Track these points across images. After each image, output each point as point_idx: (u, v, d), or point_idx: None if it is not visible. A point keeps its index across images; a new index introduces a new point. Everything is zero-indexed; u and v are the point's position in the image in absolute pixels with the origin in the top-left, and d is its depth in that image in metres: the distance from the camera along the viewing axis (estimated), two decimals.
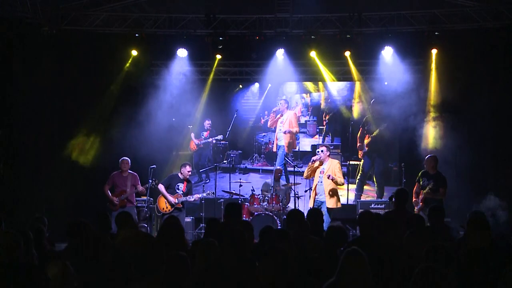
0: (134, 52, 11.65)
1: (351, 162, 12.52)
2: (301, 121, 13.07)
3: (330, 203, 9.16)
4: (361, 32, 11.24)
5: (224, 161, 12.09)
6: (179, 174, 9.79)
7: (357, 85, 12.77)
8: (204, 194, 10.16)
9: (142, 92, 12.04)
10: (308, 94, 13.07)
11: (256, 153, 12.98)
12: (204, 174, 12.58)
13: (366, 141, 12.61)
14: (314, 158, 9.35)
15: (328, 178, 9.02)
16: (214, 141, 12.69)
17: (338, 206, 9.30)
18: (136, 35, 11.41)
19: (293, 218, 5.58)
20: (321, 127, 12.99)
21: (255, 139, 13.01)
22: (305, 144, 12.92)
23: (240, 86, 13.08)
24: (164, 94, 11.99)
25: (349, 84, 12.82)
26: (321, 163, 9.31)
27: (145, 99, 11.78)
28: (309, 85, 13.07)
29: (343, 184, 9.55)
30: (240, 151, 12.95)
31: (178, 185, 9.70)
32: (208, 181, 12.42)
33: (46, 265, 3.63)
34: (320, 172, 9.27)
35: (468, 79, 10.96)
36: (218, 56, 12.08)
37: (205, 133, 12.80)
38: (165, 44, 11.76)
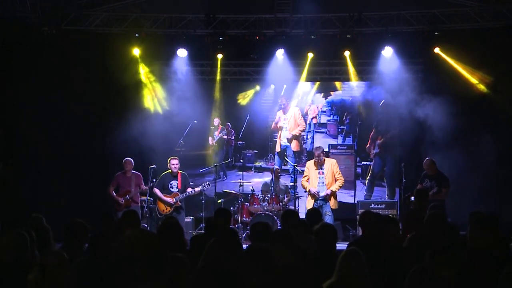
0: (135, 52, 11.65)
1: (364, 163, 12.48)
2: (322, 121, 12.98)
3: (332, 204, 9.19)
4: (361, 32, 11.23)
5: (241, 160, 12.24)
6: (170, 172, 9.75)
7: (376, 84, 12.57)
8: (201, 188, 9.95)
9: (141, 92, 12.03)
10: (329, 93, 12.92)
11: (271, 153, 12.94)
12: (221, 171, 12.59)
13: (378, 142, 12.44)
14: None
15: (329, 195, 9.08)
16: (226, 137, 12.71)
17: (336, 207, 9.36)
18: (136, 35, 11.42)
19: (288, 219, 5.59)
20: (342, 127, 12.87)
21: (271, 139, 12.93)
22: (322, 143, 12.55)
23: (258, 87, 12.99)
24: (165, 94, 11.98)
25: (365, 83, 12.69)
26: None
27: (145, 99, 11.77)
28: (325, 84, 12.88)
29: (343, 183, 9.54)
30: (255, 151, 12.93)
31: (171, 183, 9.66)
32: (225, 178, 12.41)
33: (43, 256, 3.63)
34: (319, 173, 9.29)
35: (468, 79, 10.98)
36: (220, 56, 12.03)
37: (216, 132, 12.81)
38: (165, 44, 11.75)
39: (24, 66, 10.54)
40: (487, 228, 4.53)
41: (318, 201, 9.24)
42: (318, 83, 12.88)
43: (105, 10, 11.38)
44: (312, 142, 12.83)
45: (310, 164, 9.69)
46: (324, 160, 9.45)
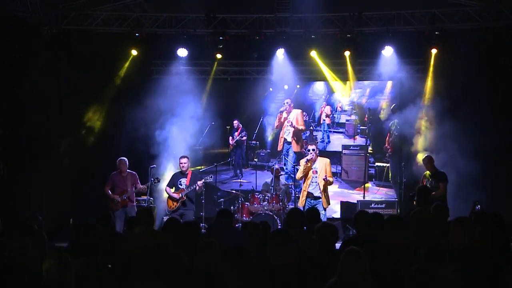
0: (134, 52, 11.64)
1: (378, 164, 12.47)
2: (342, 120, 12.97)
3: (325, 202, 9.03)
4: (361, 32, 11.23)
5: (255, 160, 12.45)
6: (180, 170, 9.77)
7: (388, 85, 12.61)
8: (203, 180, 9.73)
9: (142, 92, 12.02)
10: (344, 94, 12.87)
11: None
12: (238, 169, 12.82)
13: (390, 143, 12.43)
14: (307, 158, 9.10)
15: (324, 180, 8.91)
16: (244, 138, 12.88)
17: (328, 205, 9.20)
18: (136, 34, 11.41)
19: (294, 217, 5.57)
20: (364, 127, 12.72)
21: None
22: (338, 144, 12.71)
23: (270, 89, 13.00)
24: (165, 94, 11.97)
25: (378, 83, 12.68)
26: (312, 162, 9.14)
27: (145, 99, 11.75)
28: (338, 84, 12.78)
29: (332, 183, 9.40)
30: (268, 150, 13.05)
31: (180, 181, 9.68)
32: (241, 176, 12.47)
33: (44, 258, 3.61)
34: (313, 172, 9.05)
35: (468, 79, 10.97)
36: (218, 56, 12.02)
37: (236, 133, 12.90)
38: (165, 43, 11.74)
39: (24, 66, 10.53)
40: (486, 225, 4.50)
41: (312, 201, 9.05)
42: (341, 83, 12.79)
43: (106, 10, 11.39)
44: (328, 142, 12.85)
45: (303, 162, 9.41)
46: (317, 158, 9.20)
